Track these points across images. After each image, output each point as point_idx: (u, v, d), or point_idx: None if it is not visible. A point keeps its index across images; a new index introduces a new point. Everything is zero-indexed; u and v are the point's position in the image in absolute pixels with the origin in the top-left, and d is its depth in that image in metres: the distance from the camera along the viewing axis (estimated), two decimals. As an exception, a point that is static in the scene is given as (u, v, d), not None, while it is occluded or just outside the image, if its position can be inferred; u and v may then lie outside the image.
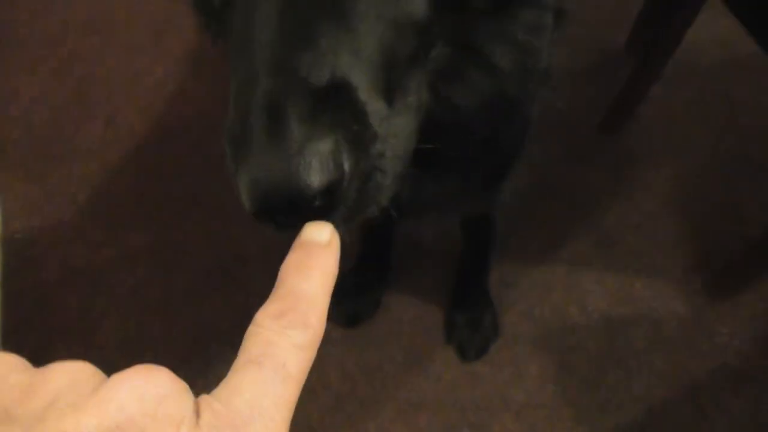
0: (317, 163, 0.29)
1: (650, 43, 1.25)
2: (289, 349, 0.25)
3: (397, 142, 0.35)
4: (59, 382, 0.22)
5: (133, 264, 1.20)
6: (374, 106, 0.34)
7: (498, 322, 1.15)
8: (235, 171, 0.31)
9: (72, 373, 0.22)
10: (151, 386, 0.22)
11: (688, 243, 1.26)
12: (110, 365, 0.25)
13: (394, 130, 0.35)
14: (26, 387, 0.22)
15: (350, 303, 1.15)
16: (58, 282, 1.18)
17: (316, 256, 0.28)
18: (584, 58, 1.50)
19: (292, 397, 0.24)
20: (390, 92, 0.36)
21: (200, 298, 1.17)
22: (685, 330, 1.17)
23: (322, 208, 0.30)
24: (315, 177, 0.29)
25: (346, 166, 0.31)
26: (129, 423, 0.20)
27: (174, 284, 1.18)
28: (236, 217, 1.23)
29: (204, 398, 0.23)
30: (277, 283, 0.27)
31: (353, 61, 0.34)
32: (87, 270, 1.19)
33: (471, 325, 1.13)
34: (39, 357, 0.25)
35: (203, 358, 1.08)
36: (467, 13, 0.45)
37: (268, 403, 0.23)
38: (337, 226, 0.31)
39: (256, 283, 1.18)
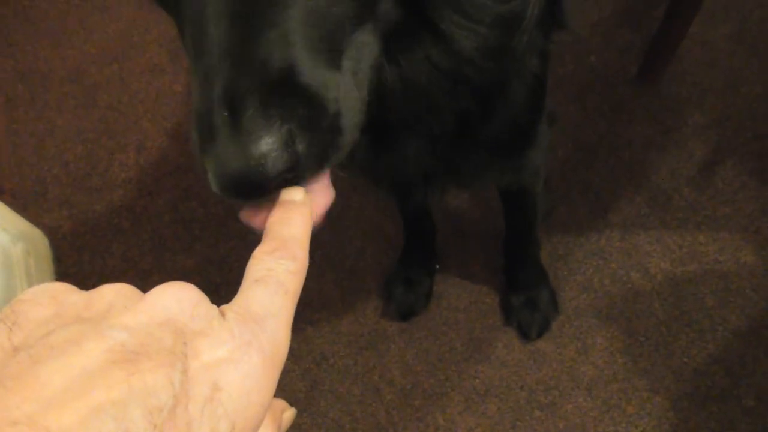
0: (272, 153, 0.34)
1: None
2: (284, 273, 0.30)
3: (348, 105, 0.39)
4: (110, 296, 0.27)
5: (183, 286, 1.22)
6: (320, 80, 0.37)
7: (556, 298, 1.11)
8: (200, 158, 0.36)
9: (119, 289, 0.28)
10: (185, 294, 0.27)
11: (749, 187, 1.18)
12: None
13: (344, 95, 0.39)
14: (85, 301, 0.27)
15: (402, 297, 1.13)
16: (115, 313, 1.20)
17: (294, 209, 0.34)
18: (613, 3, 1.42)
19: (292, 308, 0.30)
20: (335, 55, 0.39)
21: (253, 311, 1.18)
22: (757, 280, 1.11)
23: (283, 183, 0.35)
24: (271, 166, 0.34)
25: (300, 149, 0.35)
26: (172, 319, 0.26)
27: (225, 300, 1.19)
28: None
29: (224, 306, 0.28)
30: (266, 232, 0.33)
31: (295, 41, 0.37)
32: (141, 297, 1.21)
33: (528, 304, 1.10)
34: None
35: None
36: None
37: (276, 308, 0.29)
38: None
39: (303, 288, 1.18)
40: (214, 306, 0.28)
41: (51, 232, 1.30)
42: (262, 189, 0.35)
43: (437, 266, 1.16)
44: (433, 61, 0.51)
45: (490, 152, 0.71)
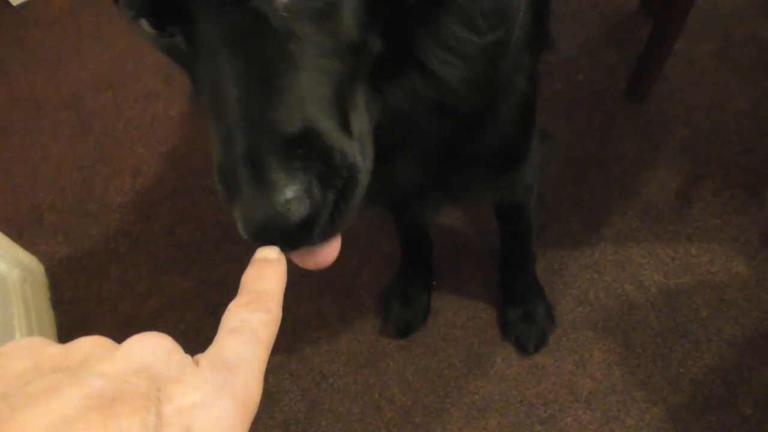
0: (296, 200, 0.38)
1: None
2: (258, 324, 0.32)
3: (358, 163, 0.43)
4: (87, 347, 0.28)
5: (181, 309, 1.23)
6: (336, 142, 0.42)
7: (552, 311, 1.13)
8: (229, 208, 0.40)
9: (95, 340, 0.29)
10: (160, 343, 0.28)
11: (738, 198, 1.22)
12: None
13: (356, 154, 0.43)
14: (62, 352, 0.28)
15: (400, 314, 1.15)
16: (112, 338, 1.21)
17: (268, 266, 0.37)
18: (600, 24, 1.47)
19: (264, 357, 0.31)
20: (346, 118, 0.44)
21: (251, 332, 1.19)
22: (749, 290, 1.13)
23: (304, 230, 0.39)
24: (295, 210, 0.38)
25: (319, 199, 0.39)
26: (147, 366, 0.27)
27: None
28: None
29: (198, 355, 0.30)
30: (241, 287, 0.35)
31: (309, 103, 0.41)
32: (138, 321, 1.23)
33: (525, 318, 1.12)
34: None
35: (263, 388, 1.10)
36: (398, 9, 0.49)
37: (249, 357, 0.30)
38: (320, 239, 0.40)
39: (301, 306, 1.20)
40: (188, 355, 0.29)
41: (47, 259, 1.31)
42: (289, 234, 0.38)
43: (434, 282, 1.18)
44: (418, 93, 0.54)
45: (483, 169, 0.73)
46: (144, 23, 0.44)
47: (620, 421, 1.05)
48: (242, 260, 1.25)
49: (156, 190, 1.37)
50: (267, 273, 0.36)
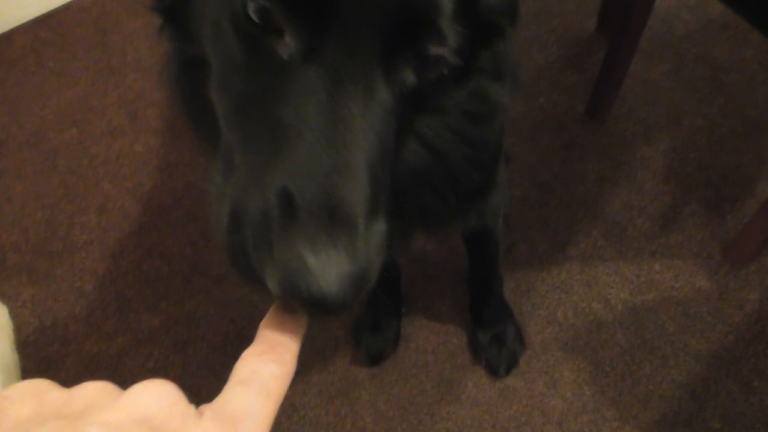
0: (334, 284, 0.36)
1: (621, 18, 1.27)
2: (269, 376, 0.32)
3: (379, 245, 0.42)
4: (91, 393, 0.29)
5: (149, 346, 1.23)
6: (366, 225, 0.41)
7: (522, 333, 1.15)
8: (260, 266, 0.38)
9: (100, 387, 0.29)
10: (164, 391, 0.29)
11: (699, 214, 1.26)
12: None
13: (377, 237, 0.42)
14: (66, 398, 0.28)
15: (370, 342, 1.16)
16: (79, 379, 1.18)
17: (288, 315, 0.36)
18: (558, 48, 1.52)
19: (272, 411, 0.31)
20: (379, 212, 0.43)
21: (222, 366, 1.19)
22: (713, 304, 1.17)
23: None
24: (332, 295, 0.36)
25: (348, 279, 0.38)
26: (150, 416, 0.27)
27: (193, 358, 1.21)
28: (240, 280, 1.26)
29: (204, 405, 0.30)
30: (258, 335, 0.35)
31: (355, 191, 0.40)
32: (105, 361, 1.22)
33: (496, 340, 1.14)
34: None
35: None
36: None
37: (255, 411, 0.30)
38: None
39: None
40: (192, 405, 0.29)
41: (11, 300, 1.30)
42: (316, 303, 0.36)
43: (403, 309, 1.19)
44: (411, 157, 0.56)
45: (455, 199, 0.76)
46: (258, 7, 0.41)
47: (592, 441, 1.06)
48: (211, 294, 1.25)
49: (122, 227, 1.37)
50: (285, 321, 0.35)
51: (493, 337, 1.14)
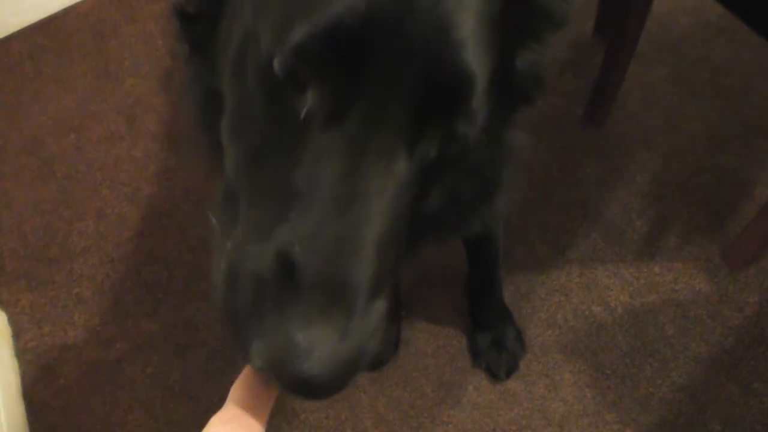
0: (323, 366, 0.36)
1: (618, 21, 1.28)
2: None
3: (376, 327, 0.41)
4: None
5: (148, 352, 1.24)
6: (366, 306, 0.40)
7: (522, 336, 1.17)
8: (247, 335, 0.37)
9: None
10: None
11: (698, 217, 1.28)
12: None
13: (375, 318, 0.41)
14: None
15: (370, 347, 1.17)
16: (78, 385, 1.21)
17: (261, 378, 0.35)
18: (556, 52, 1.54)
19: None
20: (379, 282, 0.41)
21: (220, 371, 1.20)
22: (712, 307, 1.18)
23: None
24: (319, 378, 0.36)
25: (338, 363, 0.37)
26: None
27: (192, 364, 1.22)
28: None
29: None
30: (228, 398, 0.34)
31: (360, 269, 0.39)
32: (104, 367, 1.23)
33: (496, 344, 1.15)
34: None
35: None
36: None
37: None
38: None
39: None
40: None
41: (9, 307, 1.31)
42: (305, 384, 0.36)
43: (403, 312, 1.21)
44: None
45: (464, 206, 0.77)
46: (285, 62, 0.39)
47: (593, 444, 1.08)
48: (210, 300, 1.26)
49: (121, 233, 1.38)
50: (257, 387, 0.35)
51: (493, 340, 1.15)
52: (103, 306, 1.30)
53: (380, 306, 0.41)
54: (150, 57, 1.67)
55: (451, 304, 1.22)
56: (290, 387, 0.36)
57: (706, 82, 1.45)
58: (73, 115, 1.58)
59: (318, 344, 0.35)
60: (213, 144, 0.60)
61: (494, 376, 1.14)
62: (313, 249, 0.38)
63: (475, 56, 0.41)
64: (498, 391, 1.13)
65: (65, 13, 1.79)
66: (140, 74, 1.65)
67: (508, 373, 1.14)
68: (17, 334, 1.28)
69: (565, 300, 1.20)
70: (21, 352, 1.26)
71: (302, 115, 0.40)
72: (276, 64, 0.39)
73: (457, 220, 0.75)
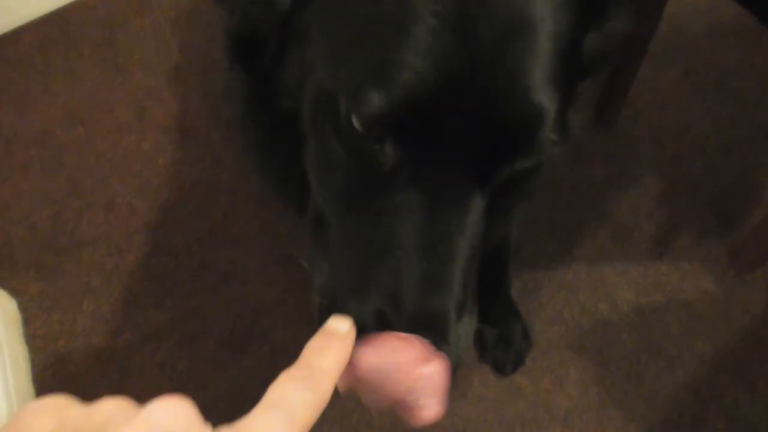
0: None
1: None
2: (300, 403, 0.33)
3: (467, 337, 0.50)
4: (109, 410, 0.31)
5: (156, 341, 1.29)
6: (457, 325, 0.48)
7: (529, 332, 1.22)
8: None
9: (118, 404, 0.32)
10: (181, 410, 0.30)
11: (706, 218, 1.33)
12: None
13: (465, 331, 0.50)
14: (85, 414, 0.31)
15: (377, 341, 1.22)
16: (87, 373, 1.27)
17: (335, 341, 0.39)
18: (621, 24, 1.59)
19: None
20: (465, 302, 0.49)
21: (229, 361, 1.26)
22: (719, 307, 1.23)
23: None
24: None
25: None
26: None
27: (200, 353, 1.27)
28: (247, 275, 1.33)
29: (223, 427, 0.32)
30: (300, 357, 0.37)
31: (448, 303, 0.47)
32: (113, 356, 1.28)
33: (502, 339, 1.21)
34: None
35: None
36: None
37: None
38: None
39: (279, 334, 1.27)
40: (209, 424, 0.31)
41: (19, 294, 1.37)
42: None
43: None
44: None
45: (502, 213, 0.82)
46: (366, 122, 0.44)
47: (597, 439, 1.13)
48: (218, 290, 1.34)
49: (129, 223, 1.44)
50: (329, 348, 0.37)
51: (500, 335, 1.20)
52: (112, 295, 1.36)
53: (470, 319, 0.49)
54: (159, 50, 1.74)
55: (458, 299, 1.27)
56: None
57: (717, 84, 1.50)
58: (83, 107, 1.65)
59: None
60: (264, 159, 0.68)
61: (500, 371, 1.19)
62: (404, 302, 0.45)
63: (546, 93, 0.45)
64: (504, 386, 1.18)
65: (74, 5, 1.85)
66: (149, 67, 1.71)
67: (515, 368, 1.19)
68: (27, 322, 1.34)
69: (571, 297, 1.25)
70: (31, 338, 1.32)
71: (383, 167, 0.46)
72: (356, 124, 0.45)
73: (515, 206, 0.80)
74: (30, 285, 1.38)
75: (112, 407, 0.31)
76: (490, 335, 1.21)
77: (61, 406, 0.31)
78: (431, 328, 0.44)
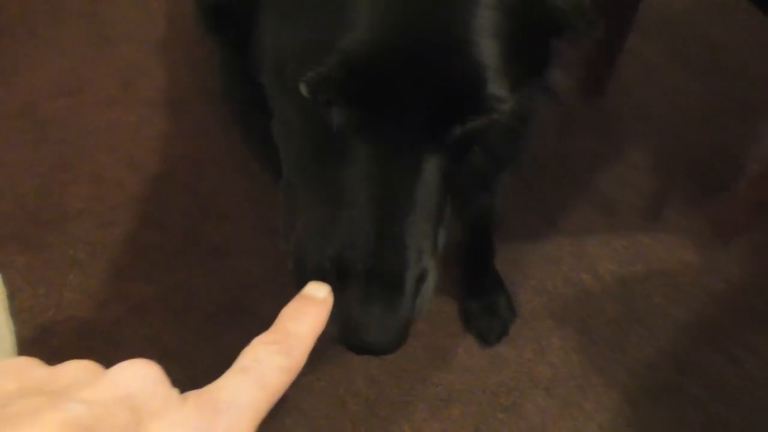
0: (402, 336, 0.48)
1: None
2: (272, 367, 0.33)
3: (437, 278, 0.53)
4: (74, 370, 0.31)
5: (143, 315, 1.31)
6: (429, 265, 0.51)
7: (512, 302, 1.25)
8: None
9: (83, 365, 0.31)
10: (147, 373, 0.30)
11: (691, 191, 1.36)
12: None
13: (436, 269, 0.53)
14: (49, 374, 0.30)
15: (364, 311, 1.25)
16: (73, 346, 1.29)
17: (311, 306, 0.39)
18: None
19: (265, 405, 0.32)
20: (437, 235, 0.53)
21: (216, 334, 1.28)
22: (699, 277, 1.27)
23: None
24: (398, 344, 0.48)
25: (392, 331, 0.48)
26: (131, 396, 0.29)
27: (188, 327, 1.29)
28: (235, 248, 1.35)
29: (192, 391, 0.31)
30: (275, 322, 0.37)
31: (402, 258, 0.49)
32: (99, 329, 1.30)
33: (487, 310, 1.24)
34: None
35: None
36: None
37: (244, 401, 0.31)
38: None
39: (266, 308, 1.29)
40: (176, 389, 0.31)
41: (4, 267, 1.38)
42: (374, 352, 0.48)
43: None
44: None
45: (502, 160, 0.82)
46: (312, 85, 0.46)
47: (578, 406, 1.16)
48: (205, 263, 1.36)
49: (115, 196, 1.46)
50: (306, 313, 0.37)
51: (485, 307, 1.23)
52: (99, 268, 1.38)
53: (432, 275, 0.52)
54: (144, 21, 1.73)
55: (443, 271, 1.30)
56: (359, 352, 0.47)
57: (704, 58, 1.52)
58: (67, 78, 1.65)
59: (375, 319, 0.46)
60: (248, 129, 0.72)
61: (485, 341, 1.22)
62: (358, 250, 0.48)
63: (485, 46, 0.46)
64: (488, 355, 1.22)
65: (58, -25, 1.84)
66: (135, 39, 1.71)
67: (499, 338, 1.22)
68: (12, 295, 1.34)
69: (555, 268, 1.28)
70: (16, 312, 1.33)
71: (333, 129, 0.48)
72: (302, 89, 0.47)
73: (495, 173, 0.82)
74: (15, 258, 1.39)
75: (76, 369, 0.31)
76: (475, 306, 1.24)
77: (24, 367, 0.30)
78: (384, 278, 0.47)
